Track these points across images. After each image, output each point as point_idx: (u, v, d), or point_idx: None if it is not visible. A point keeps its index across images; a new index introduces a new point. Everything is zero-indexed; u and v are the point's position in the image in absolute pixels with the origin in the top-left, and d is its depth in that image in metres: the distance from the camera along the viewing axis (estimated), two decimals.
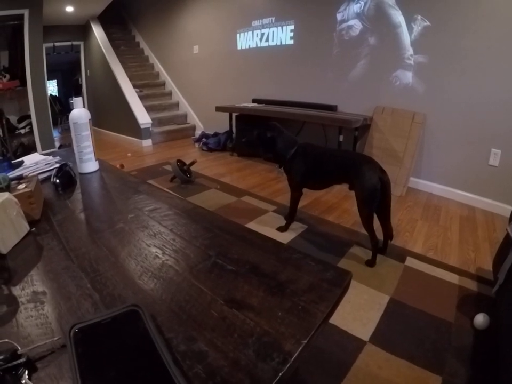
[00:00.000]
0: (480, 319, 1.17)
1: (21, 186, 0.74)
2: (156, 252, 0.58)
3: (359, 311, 1.23)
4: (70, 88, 8.86)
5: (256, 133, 1.77)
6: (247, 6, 3.72)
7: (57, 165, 1.02)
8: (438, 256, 1.68)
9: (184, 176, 2.62)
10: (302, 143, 1.75)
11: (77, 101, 0.97)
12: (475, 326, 1.17)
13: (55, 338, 0.37)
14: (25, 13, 3.76)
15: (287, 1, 3.30)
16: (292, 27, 3.31)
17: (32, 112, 4.04)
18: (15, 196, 0.66)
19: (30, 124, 4.15)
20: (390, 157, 2.61)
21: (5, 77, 4.01)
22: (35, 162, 1.05)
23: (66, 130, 6.69)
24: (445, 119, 2.44)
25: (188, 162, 2.77)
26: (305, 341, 0.37)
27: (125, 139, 4.78)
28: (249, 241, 0.61)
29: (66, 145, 4.51)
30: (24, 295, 0.46)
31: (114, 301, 0.45)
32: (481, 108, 2.25)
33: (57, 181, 0.92)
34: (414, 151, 2.52)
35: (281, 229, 1.86)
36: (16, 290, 0.48)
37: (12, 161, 1.03)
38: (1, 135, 3.71)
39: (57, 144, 4.64)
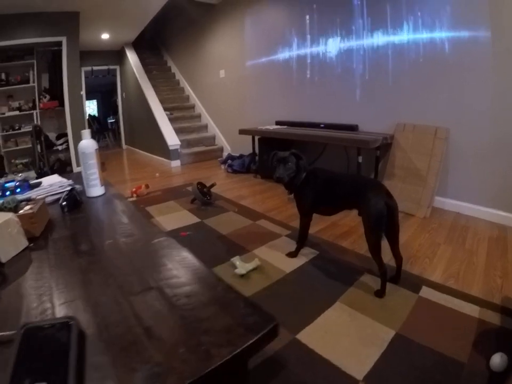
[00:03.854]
0: (497, 360, 1.05)
1: (27, 207, 0.86)
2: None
3: (357, 346, 1.15)
4: (108, 108, 9.57)
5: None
6: (272, 30, 3.85)
7: (69, 188, 1.12)
8: (459, 285, 1.54)
9: (203, 198, 2.70)
10: (311, 168, 1.72)
11: (85, 133, 1.07)
12: (491, 367, 1.06)
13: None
14: (63, 40, 4.24)
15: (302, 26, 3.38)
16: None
17: (69, 130, 4.43)
18: (18, 216, 0.77)
19: (67, 141, 4.54)
20: (413, 176, 2.49)
21: (45, 97, 4.50)
22: (50, 184, 1.16)
23: (101, 148, 7.16)
24: (470, 131, 2.28)
25: (208, 184, 2.85)
26: (188, 382, 0.38)
27: (156, 159, 5.05)
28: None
29: None
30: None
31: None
32: (508, 115, 2.08)
33: (63, 203, 1.01)
34: (437, 168, 2.38)
35: (291, 255, 1.82)
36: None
37: (31, 182, 1.15)
38: (40, 151, 4.08)
39: None
